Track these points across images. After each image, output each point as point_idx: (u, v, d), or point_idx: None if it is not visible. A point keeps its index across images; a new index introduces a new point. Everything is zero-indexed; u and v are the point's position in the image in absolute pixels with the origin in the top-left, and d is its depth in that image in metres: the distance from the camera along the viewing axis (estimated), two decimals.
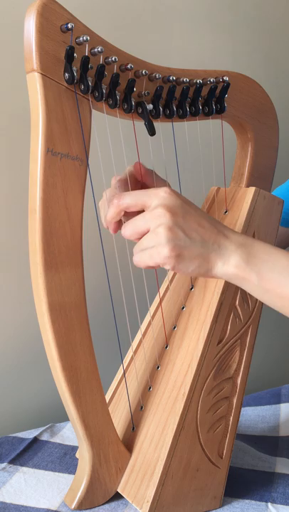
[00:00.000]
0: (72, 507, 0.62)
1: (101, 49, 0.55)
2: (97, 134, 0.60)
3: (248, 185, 0.75)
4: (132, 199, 0.56)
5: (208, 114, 0.68)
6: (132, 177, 0.67)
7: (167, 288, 0.75)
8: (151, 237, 0.53)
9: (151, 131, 0.62)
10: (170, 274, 0.76)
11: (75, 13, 0.54)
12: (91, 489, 0.62)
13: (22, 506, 0.64)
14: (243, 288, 0.56)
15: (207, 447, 0.63)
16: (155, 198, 0.54)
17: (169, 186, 0.71)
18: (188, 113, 0.65)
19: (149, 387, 0.68)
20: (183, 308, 0.71)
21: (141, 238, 0.55)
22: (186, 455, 0.61)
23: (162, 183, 0.70)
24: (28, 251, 0.56)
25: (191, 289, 0.71)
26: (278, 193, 0.91)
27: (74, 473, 0.69)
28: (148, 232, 0.54)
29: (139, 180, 0.69)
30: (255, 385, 1.01)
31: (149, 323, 0.73)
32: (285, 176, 0.93)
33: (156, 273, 0.71)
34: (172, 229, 0.53)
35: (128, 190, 0.66)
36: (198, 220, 0.55)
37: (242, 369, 0.67)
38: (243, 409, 0.89)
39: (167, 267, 0.54)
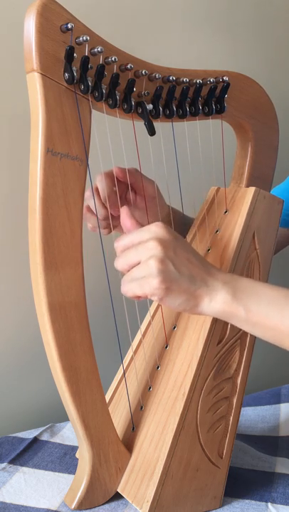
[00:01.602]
0: (72, 507, 0.62)
1: (101, 49, 0.55)
2: (97, 134, 0.60)
3: (248, 185, 0.75)
4: (128, 239, 0.57)
5: (208, 114, 0.68)
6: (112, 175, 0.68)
7: None
8: (143, 267, 0.54)
9: (151, 131, 0.62)
10: None
11: (75, 13, 0.54)
12: (91, 489, 0.62)
13: (22, 506, 0.64)
14: (232, 323, 0.58)
15: (207, 447, 0.63)
16: (147, 232, 0.56)
17: (156, 185, 0.71)
18: (188, 113, 0.66)
19: (149, 387, 0.68)
20: None
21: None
22: (186, 455, 0.61)
23: (148, 181, 0.70)
24: (28, 251, 0.56)
25: None
26: (277, 191, 0.91)
27: (74, 473, 0.69)
28: (139, 263, 0.55)
29: (122, 181, 0.69)
30: (255, 385, 1.01)
31: (149, 323, 0.73)
32: (285, 176, 0.93)
33: None
34: (163, 261, 0.54)
35: (114, 187, 0.67)
36: (188, 256, 0.56)
37: (242, 369, 0.67)
38: (243, 409, 0.89)
39: (155, 298, 0.55)
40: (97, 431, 0.61)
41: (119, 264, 0.57)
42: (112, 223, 0.70)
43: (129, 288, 0.55)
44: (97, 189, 0.68)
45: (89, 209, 0.69)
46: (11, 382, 0.98)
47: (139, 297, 0.56)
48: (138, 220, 0.67)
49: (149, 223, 0.65)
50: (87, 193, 0.67)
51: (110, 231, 0.72)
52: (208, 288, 0.56)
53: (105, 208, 0.69)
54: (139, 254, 0.55)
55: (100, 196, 0.69)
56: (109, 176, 0.68)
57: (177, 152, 0.69)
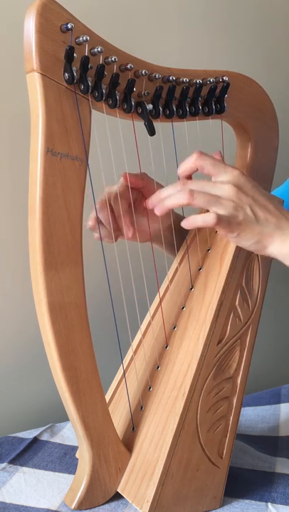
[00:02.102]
0: (72, 507, 0.62)
1: (101, 49, 0.55)
2: (97, 134, 0.60)
3: None
4: (211, 163, 0.58)
5: (208, 114, 0.68)
6: (127, 186, 0.69)
7: (167, 288, 0.75)
8: (220, 202, 0.56)
9: (151, 131, 0.62)
10: (170, 274, 0.76)
11: (74, 14, 0.54)
12: (91, 489, 0.62)
13: (22, 506, 0.64)
14: None
15: (207, 447, 0.63)
16: (228, 174, 0.58)
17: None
18: (188, 113, 0.65)
19: (149, 387, 0.68)
20: (183, 308, 0.71)
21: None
22: (186, 455, 0.61)
23: (159, 185, 0.71)
24: (28, 251, 0.56)
25: (191, 289, 0.71)
26: (277, 192, 0.90)
27: (74, 473, 0.69)
28: (213, 195, 0.57)
29: (134, 187, 0.69)
30: (255, 385, 1.01)
31: (149, 323, 0.73)
32: (285, 176, 0.92)
33: (156, 273, 0.71)
34: (240, 205, 0.56)
35: (128, 199, 0.68)
36: (265, 203, 0.58)
37: (242, 369, 0.66)
38: (243, 409, 0.89)
39: (229, 238, 0.57)
40: (97, 431, 0.61)
41: (195, 185, 0.57)
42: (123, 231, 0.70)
43: (202, 202, 0.56)
44: (109, 203, 0.68)
45: (99, 220, 0.69)
46: (11, 382, 0.98)
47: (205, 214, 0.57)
48: (150, 225, 0.70)
49: (161, 227, 0.67)
50: (99, 205, 0.67)
51: (116, 239, 0.72)
52: (281, 231, 0.57)
53: (116, 221, 0.69)
54: (216, 189, 0.57)
55: (112, 209, 0.68)
56: (125, 191, 0.68)
57: (177, 152, 0.69)
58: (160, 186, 0.71)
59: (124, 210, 0.68)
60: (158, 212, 0.59)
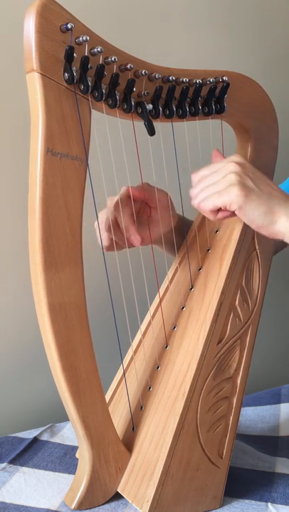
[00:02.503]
0: (72, 507, 0.62)
1: (101, 49, 0.55)
2: (96, 134, 0.60)
3: None
4: (207, 170, 0.59)
5: (207, 114, 0.68)
6: (129, 196, 0.69)
7: (167, 288, 0.75)
8: (221, 182, 0.56)
9: (151, 131, 0.62)
10: (170, 274, 0.76)
11: (74, 14, 0.54)
12: (91, 489, 0.62)
13: (22, 506, 0.64)
14: None
15: (207, 447, 0.63)
16: (225, 160, 0.58)
17: (168, 195, 0.72)
18: (187, 113, 0.66)
19: (149, 387, 0.68)
20: (183, 308, 0.71)
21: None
22: (186, 455, 0.61)
23: (161, 193, 0.71)
24: (28, 251, 0.56)
25: (191, 289, 0.71)
26: None
27: (74, 473, 0.69)
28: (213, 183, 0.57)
29: (139, 199, 0.70)
30: (255, 385, 1.01)
31: (149, 323, 0.73)
32: (285, 176, 0.92)
33: (156, 273, 0.71)
34: (242, 176, 0.56)
35: (130, 209, 0.68)
36: (266, 180, 0.59)
37: (242, 369, 0.66)
38: (243, 409, 0.89)
39: (235, 206, 0.55)
40: (97, 431, 0.61)
41: (196, 189, 0.58)
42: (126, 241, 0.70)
43: (208, 201, 0.56)
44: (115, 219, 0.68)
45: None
46: (11, 382, 0.98)
47: (216, 212, 0.57)
48: (151, 230, 0.70)
49: (162, 232, 0.67)
50: (102, 217, 0.68)
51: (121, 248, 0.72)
52: (287, 206, 0.57)
53: (122, 234, 0.69)
54: (216, 176, 0.57)
55: (116, 223, 0.69)
56: (128, 205, 0.68)
57: (177, 152, 0.69)
58: (162, 193, 0.71)
59: (129, 219, 0.68)
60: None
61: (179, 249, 0.77)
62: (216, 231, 0.73)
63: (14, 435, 0.83)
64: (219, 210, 0.58)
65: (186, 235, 0.76)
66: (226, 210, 0.57)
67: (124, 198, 0.68)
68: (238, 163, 0.57)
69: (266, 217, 0.56)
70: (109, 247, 0.69)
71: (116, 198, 0.69)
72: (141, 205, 0.72)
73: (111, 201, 0.69)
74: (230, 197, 0.55)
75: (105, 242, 0.68)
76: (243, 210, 0.56)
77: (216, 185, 0.57)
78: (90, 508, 0.63)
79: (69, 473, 0.72)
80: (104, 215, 0.68)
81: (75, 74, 0.55)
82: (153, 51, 0.83)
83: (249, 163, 0.59)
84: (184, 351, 0.66)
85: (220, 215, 0.58)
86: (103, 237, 0.68)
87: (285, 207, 0.57)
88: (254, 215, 0.56)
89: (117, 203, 0.68)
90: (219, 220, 0.63)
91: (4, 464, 0.74)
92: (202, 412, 0.63)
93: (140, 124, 0.63)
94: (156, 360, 0.69)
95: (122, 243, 0.69)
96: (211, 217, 0.59)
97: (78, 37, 0.54)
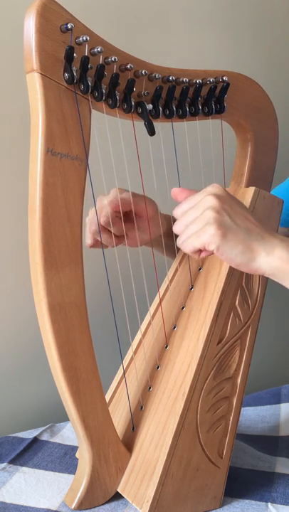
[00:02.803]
0: (72, 507, 0.62)
1: (101, 49, 0.55)
2: (97, 134, 0.60)
3: (247, 185, 0.75)
4: (186, 204, 0.58)
5: (207, 114, 0.68)
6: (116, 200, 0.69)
7: (167, 288, 0.75)
8: (199, 219, 0.55)
9: (151, 131, 0.62)
10: (170, 274, 0.76)
11: (74, 14, 0.54)
12: (91, 489, 0.62)
13: (22, 506, 0.64)
14: (285, 283, 0.57)
15: (207, 447, 0.63)
16: (203, 193, 0.57)
17: (156, 204, 0.73)
18: (187, 113, 0.66)
19: (149, 387, 0.68)
20: (183, 308, 0.71)
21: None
22: (186, 455, 0.61)
23: (149, 202, 0.71)
24: (28, 251, 0.56)
25: (191, 289, 0.71)
26: (277, 192, 0.91)
27: (74, 473, 0.69)
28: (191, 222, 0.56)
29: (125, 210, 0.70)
30: (255, 385, 1.01)
31: (149, 323, 0.73)
32: (285, 176, 0.93)
33: (156, 273, 0.71)
34: (219, 211, 0.55)
35: (119, 215, 0.68)
36: (244, 213, 0.57)
37: (242, 369, 0.66)
38: (243, 409, 0.89)
39: (212, 246, 0.54)
40: (97, 431, 0.61)
41: (178, 226, 0.58)
42: (114, 241, 0.71)
43: (188, 243, 0.56)
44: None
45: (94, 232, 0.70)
46: (11, 382, 0.98)
47: (199, 252, 0.56)
48: (138, 237, 0.71)
49: (151, 241, 0.68)
50: (90, 216, 0.69)
51: (120, 243, 0.73)
52: (265, 242, 0.55)
53: (109, 231, 0.70)
54: (195, 212, 0.56)
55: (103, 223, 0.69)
56: (114, 203, 0.68)
57: (177, 152, 0.69)
58: (150, 203, 0.72)
59: (116, 220, 0.69)
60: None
61: (172, 251, 0.77)
62: None
63: (14, 435, 0.83)
64: (201, 250, 0.57)
65: None
66: (205, 250, 0.56)
67: (112, 198, 0.69)
68: (216, 196, 0.56)
69: (244, 256, 0.55)
70: (93, 246, 0.71)
71: (105, 199, 0.69)
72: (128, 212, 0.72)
73: (99, 200, 0.69)
74: (208, 238, 0.54)
75: (88, 240, 0.70)
76: (221, 250, 0.55)
77: (194, 224, 0.56)
78: (90, 508, 0.63)
79: (69, 473, 0.72)
80: (91, 214, 0.69)
81: (75, 74, 0.55)
82: (153, 51, 0.83)
83: (226, 190, 0.58)
84: (184, 351, 0.66)
85: (202, 254, 0.57)
86: (86, 235, 0.70)
87: (263, 243, 0.55)
88: (232, 254, 0.55)
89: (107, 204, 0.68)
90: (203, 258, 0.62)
91: (4, 464, 0.74)
92: (202, 412, 0.63)
93: (140, 124, 0.62)
94: (156, 360, 0.69)
95: (108, 243, 0.71)
96: (194, 256, 0.59)
97: (78, 37, 0.54)
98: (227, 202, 0.56)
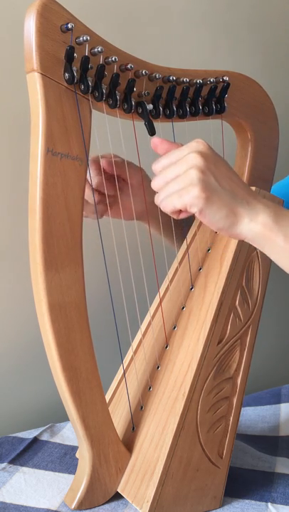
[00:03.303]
0: (72, 507, 0.62)
1: (101, 49, 0.55)
2: (97, 134, 0.60)
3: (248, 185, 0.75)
4: (167, 159, 0.55)
5: (208, 114, 0.68)
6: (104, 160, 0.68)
7: (167, 288, 0.75)
8: (182, 178, 0.52)
9: (151, 131, 0.62)
10: (170, 274, 0.76)
11: (75, 14, 0.54)
12: (91, 489, 0.62)
13: (22, 506, 0.64)
14: (264, 250, 0.55)
15: (207, 447, 0.63)
16: (187, 148, 0.54)
17: (144, 172, 0.72)
18: (188, 113, 0.66)
19: (149, 387, 0.68)
20: (183, 308, 0.71)
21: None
22: (186, 455, 0.61)
23: (135, 170, 0.71)
24: (28, 251, 0.56)
25: (191, 289, 0.71)
26: (277, 188, 0.90)
27: (74, 473, 0.69)
28: (172, 180, 0.53)
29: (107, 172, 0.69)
30: (255, 385, 1.01)
31: (149, 323, 0.73)
32: (285, 176, 0.92)
33: (156, 273, 0.71)
34: (204, 172, 0.51)
35: (100, 174, 0.67)
36: (229, 174, 0.54)
37: (242, 369, 0.66)
38: (243, 409, 0.89)
39: (194, 209, 0.52)
40: (97, 431, 0.61)
41: (156, 182, 0.54)
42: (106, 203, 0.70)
43: (168, 201, 0.53)
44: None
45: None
46: (11, 382, 0.98)
47: (179, 212, 0.53)
48: (126, 205, 0.69)
49: (135, 210, 0.65)
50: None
51: (104, 213, 0.72)
52: (250, 207, 0.53)
53: (98, 191, 0.69)
54: (178, 169, 0.53)
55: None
56: (95, 163, 0.68)
57: None
58: (137, 172, 0.71)
59: (108, 185, 0.67)
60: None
61: (164, 228, 0.76)
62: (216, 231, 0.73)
63: (14, 435, 0.83)
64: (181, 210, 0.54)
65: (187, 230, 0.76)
66: (186, 211, 0.53)
67: (105, 163, 0.67)
68: (201, 154, 0.52)
69: (227, 220, 0.52)
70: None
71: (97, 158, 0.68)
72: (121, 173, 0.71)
73: (93, 158, 0.68)
74: (191, 199, 0.51)
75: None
76: (204, 213, 0.52)
77: (176, 183, 0.52)
78: (90, 508, 0.63)
79: (69, 473, 0.72)
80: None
81: (75, 74, 0.55)
82: (153, 51, 0.83)
83: (211, 147, 0.54)
84: (184, 351, 0.66)
85: (182, 215, 0.54)
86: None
87: (247, 208, 0.53)
88: (214, 218, 0.52)
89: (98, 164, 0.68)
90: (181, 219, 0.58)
91: (4, 464, 0.74)
92: (202, 412, 0.63)
93: (140, 124, 0.62)
94: (157, 360, 0.69)
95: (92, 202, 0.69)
96: (173, 216, 0.55)
97: (79, 37, 0.54)
98: (212, 161, 0.53)
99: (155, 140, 0.57)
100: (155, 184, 0.55)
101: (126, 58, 0.59)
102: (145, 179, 0.73)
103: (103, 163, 0.68)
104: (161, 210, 0.56)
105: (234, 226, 0.53)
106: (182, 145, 0.56)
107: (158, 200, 0.54)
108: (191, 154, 0.52)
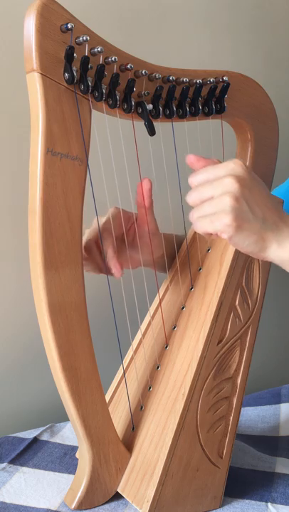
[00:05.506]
0: (72, 507, 0.62)
1: (101, 49, 0.55)
2: (97, 134, 0.60)
3: None
4: (204, 174, 0.55)
5: (208, 114, 0.68)
6: (116, 220, 0.68)
7: (167, 288, 0.75)
8: (216, 203, 0.53)
9: (151, 131, 0.62)
10: (170, 274, 0.76)
11: (75, 14, 0.54)
12: (91, 489, 0.62)
13: (22, 506, 0.64)
14: None
15: (207, 447, 0.63)
16: (224, 169, 0.54)
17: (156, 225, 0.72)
18: (188, 113, 0.66)
19: (149, 387, 0.68)
20: (183, 308, 0.71)
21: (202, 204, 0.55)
22: (186, 455, 0.61)
23: (151, 218, 0.70)
24: (28, 251, 0.56)
25: (191, 289, 0.71)
26: (277, 192, 0.90)
27: (74, 473, 0.69)
28: (207, 201, 0.54)
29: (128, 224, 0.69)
30: (255, 385, 1.01)
31: (149, 323, 0.73)
32: (285, 176, 0.93)
33: (156, 273, 0.71)
34: (238, 199, 0.52)
35: (111, 235, 0.67)
36: (263, 198, 0.55)
37: (242, 369, 0.66)
38: (243, 409, 0.89)
39: (224, 235, 0.53)
40: (97, 431, 0.61)
41: (192, 197, 0.55)
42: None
43: (201, 224, 0.54)
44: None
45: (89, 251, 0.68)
46: (11, 382, 0.98)
47: (210, 234, 0.55)
48: (132, 257, 0.69)
49: (152, 259, 0.67)
50: (88, 236, 0.67)
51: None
52: (279, 232, 0.54)
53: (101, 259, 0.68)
54: (213, 189, 0.54)
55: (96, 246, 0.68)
56: (117, 218, 0.68)
57: (177, 152, 0.69)
58: (152, 219, 0.71)
59: (110, 247, 0.67)
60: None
61: (169, 269, 0.77)
62: None
63: (14, 435, 0.83)
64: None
65: (177, 252, 0.76)
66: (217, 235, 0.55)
67: (106, 225, 0.67)
68: (237, 178, 0.53)
69: (256, 246, 0.54)
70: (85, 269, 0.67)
71: (104, 218, 0.67)
72: (130, 226, 0.71)
73: (95, 222, 0.67)
74: (222, 226, 0.52)
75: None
76: (233, 240, 0.54)
77: (210, 206, 0.54)
78: (90, 508, 0.63)
79: (69, 473, 0.72)
80: (85, 236, 0.67)
81: (75, 74, 0.55)
82: (153, 51, 0.83)
83: (248, 168, 0.55)
84: (184, 351, 0.66)
85: (213, 236, 0.56)
86: None
87: (276, 233, 0.54)
88: (244, 244, 0.54)
89: (104, 226, 0.67)
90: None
91: (4, 464, 0.74)
92: (202, 412, 0.63)
93: (140, 124, 0.62)
94: (157, 360, 0.69)
95: (99, 269, 0.68)
96: (205, 236, 0.58)
97: (78, 37, 0.54)
98: (248, 186, 0.53)
99: (191, 158, 0.59)
100: (190, 199, 0.56)
101: (126, 58, 0.59)
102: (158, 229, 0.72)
103: (114, 212, 0.68)
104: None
105: (262, 251, 0.54)
106: (219, 161, 0.58)
107: (192, 218, 0.56)
108: (228, 179, 0.53)
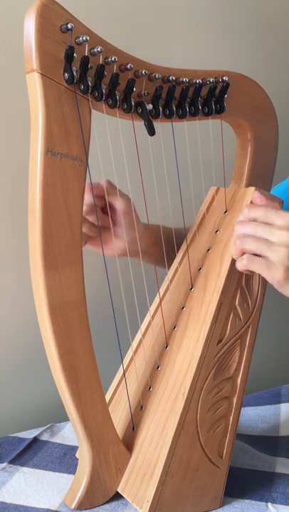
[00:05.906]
0: (72, 507, 0.62)
1: (101, 49, 0.55)
2: (96, 134, 0.60)
3: (247, 185, 0.75)
4: (263, 213, 0.59)
5: (207, 114, 0.68)
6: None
7: (167, 288, 0.75)
8: (272, 251, 0.57)
9: (151, 131, 0.62)
10: (170, 274, 0.76)
11: (74, 14, 0.54)
12: (91, 489, 0.62)
13: (22, 506, 0.64)
14: None
15: (207, 447, 0.63)
16: (284, 219, 0.57)
17: (132, 203, 0.73)
18: (187, 113, 0.66)
19: (149, 387, 0.68)
20: (183, 308, 0.71)
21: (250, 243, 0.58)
22: (186, 455, 0.61)
23: (122, 196, 0.72)
24: (28, 251, 0.56)
25: (191, 288, 0.71)
26: (276, 191, 0.90)
27: (74, 473, 0.69)
28: (265, 241, 0.57)
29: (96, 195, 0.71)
30: (255, 385, 1.01)
31: (149, 323, 0.73)
32: (285, 176, 0.93)
33: (155, 273, 0.71)
34: None
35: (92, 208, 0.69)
36: None
37: (242, 369, 0.66)
38: (243, 409, 0.89)
39: (275, 283, 0.57)
40: (97, 431, 0.61)
41: (243, 230, 0.59)
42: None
43: (249, 264, 0.58)
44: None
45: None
46: (11, 382, 0.98)
47: (251, 272, 0.60)
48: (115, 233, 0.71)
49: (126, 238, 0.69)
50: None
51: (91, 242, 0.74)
52: None
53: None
54: (271, 235, 0.57)
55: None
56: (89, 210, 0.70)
57: (177, 152, 0.69)
58: (124, 196, 0.72)
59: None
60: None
61: (160, 261, 0.77)
62: (216, 231, 0.73)
63: (14, 435, 0.83)
64: None
65: (176, 245, 0.76)
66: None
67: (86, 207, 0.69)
68: None
69: None
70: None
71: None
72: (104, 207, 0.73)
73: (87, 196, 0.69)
74: (276, 276, 0.56)
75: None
76: (282, 289, 0.57)
77: (265, 250, 0.57)
78: (90, 508, 0.63)
79: (69, 473, 0.72)
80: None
81: (75, 74, 0.55)
82: (153, 51, 0.83)
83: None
84: (184, 351, 0.66)
85: (247, 272, 0.62)
86: None
87: None
88: (287, 292, 0.57)
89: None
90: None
91: (4, 464, 0.74)
92: (202, 412, 0.63)
93: (140, 124, 0.63)
94: (157, 360, 0.69)
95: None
96: (241, 271, 0.61)
97: (78, 37, 0.54)
98: None
99: (256, 195, 0.63)
100: (241, 230, 0.60)
101: (125, 58, 0.59)
102: (133, 208, 0.74)
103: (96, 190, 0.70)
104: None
105: None
106: (280, 204, 0.63)
107: (241, 249, 0.60)
108: (286, 233, 0.56)
